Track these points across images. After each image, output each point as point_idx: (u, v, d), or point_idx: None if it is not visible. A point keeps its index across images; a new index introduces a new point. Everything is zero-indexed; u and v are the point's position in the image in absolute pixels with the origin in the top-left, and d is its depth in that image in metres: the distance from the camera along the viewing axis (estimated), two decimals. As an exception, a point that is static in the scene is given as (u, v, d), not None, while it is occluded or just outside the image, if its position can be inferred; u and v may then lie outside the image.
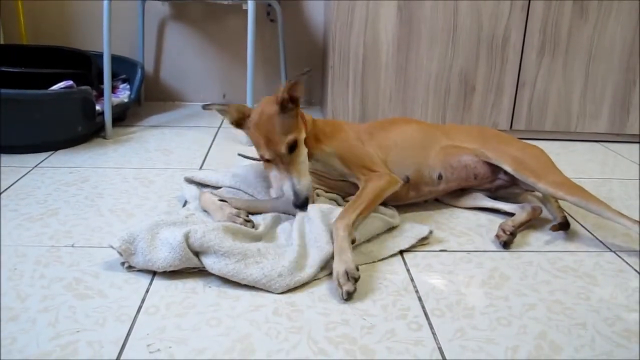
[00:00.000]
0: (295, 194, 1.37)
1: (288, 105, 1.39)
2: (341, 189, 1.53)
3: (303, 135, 1.43)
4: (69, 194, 1.64)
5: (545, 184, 1.48)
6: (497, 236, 1.43)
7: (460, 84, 2.30)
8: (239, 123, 1.47)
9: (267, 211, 1.47)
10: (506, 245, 1.40)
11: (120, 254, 1.22)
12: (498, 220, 1.55)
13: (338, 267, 1.18)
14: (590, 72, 2.30)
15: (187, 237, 1.20)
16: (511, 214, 1.54)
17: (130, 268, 1.23)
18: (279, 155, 1.38)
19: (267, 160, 1.41)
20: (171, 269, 1.20)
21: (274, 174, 1.42)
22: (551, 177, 1.50)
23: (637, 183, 1.91)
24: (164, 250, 1.20)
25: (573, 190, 1.45)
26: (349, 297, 1.14)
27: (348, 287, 1.15)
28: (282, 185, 1.40)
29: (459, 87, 2.31)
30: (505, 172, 1.57)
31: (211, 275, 1.20)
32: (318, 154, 1.49)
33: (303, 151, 1.42)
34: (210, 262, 1.20)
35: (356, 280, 1.16)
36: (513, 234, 1.42)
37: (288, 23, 2.76)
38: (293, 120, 1.40)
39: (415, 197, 1.58)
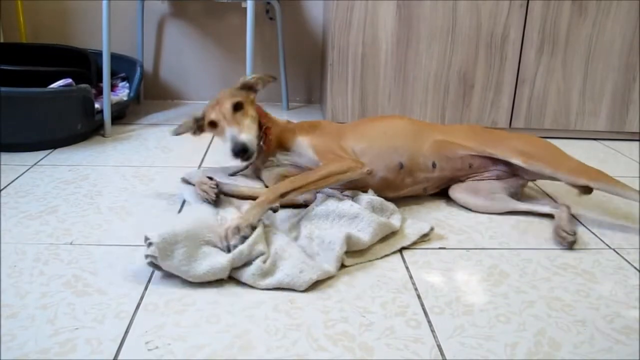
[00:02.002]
0: (233, 141, 1.41)
1: (243, 92, 1.55)
2: None
3: (251, 106, 1.53)
4: (68, 191, 1.64)
5: (564, 172, 1.51)
6: (562, 238, 1.41)
7: (460, 82, 2.30)
8: (199, 126, 1.59)
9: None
10: (572, 245, 1.40)
11: (155, 252, 1.15)
12: (497, 218, 1.55)
13: (234, 221, 1.25)
14: (589, 69, 2.30)
15: (232, 262, 1.18)
16: (547, 215, 1.55)
17: (152, 264, 1.18)
18: (223, 114, 1.48)
19: (213, 124, 1.50)
20: (201, 281, 1.18)
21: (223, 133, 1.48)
22: (567, 164, 1.53)
23: (637, 180, 1.91)
24: (204, 266, 1.16)
25: (594, 175, 1.49)
26: (232, 249, 1.20)
27: (235, 241, 1.21)
28: (224, 136, 1.46)
29: (458, 86, 2.31)
30: (506, 164, 1.58)
31: (210, 272, 1.20)
32: (295, 146, 1.55)
33: (249, 113, 1.50)
34: (238, 274, 1.19)
35: (245, 238, 1.22)
36: (576, 233, 1.42)
37: (287, 21, 2.76)
38: (244, 96, 1.53)
39: (411, 183, 1.58)
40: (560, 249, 1.39)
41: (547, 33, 2.25)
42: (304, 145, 1.54)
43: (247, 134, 1.44)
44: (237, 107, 1.48)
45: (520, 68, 2.29)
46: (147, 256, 1.17)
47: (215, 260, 1.17)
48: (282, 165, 1.57)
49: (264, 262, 1.19)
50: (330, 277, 1.21)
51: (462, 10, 2.21)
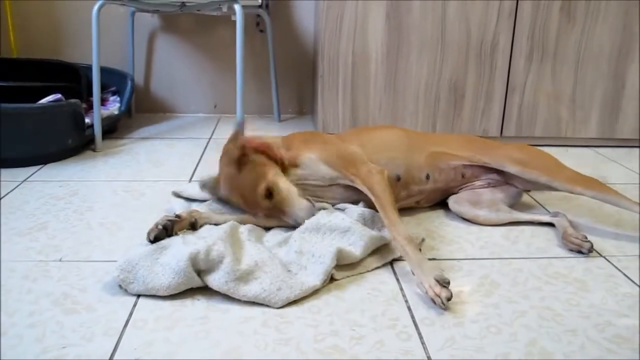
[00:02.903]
0: (298, 223, 1.38)
1: (245, 159, 1.40)
2: (332, 196, 1.53)
3: (274, 175, 1.41)
4: (58, 207, 1.63)
5: (561, 181, 1.52)
6: (577, 245, 1.41)
7: (450, 91, 2.31)
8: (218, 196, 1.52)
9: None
10: (590, 250, 1.40)
11: (119, 285, 1.19)
12: (488, 228, 1.55)
13: (426, 279, 1.18)
14: (578, 76, 2.31)
15: (192, 258, 1.18)
16: (547, 224, 1.56)
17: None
18: (265, 209, 1.40)
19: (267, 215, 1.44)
20: (175, 292, 1.17)
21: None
22: (563, 172, 1.54)
23: (630, 187, 1.91)
24: (167, 275, 1.17)
25: (589, 184, 1.50)
26: (448, 302, 1.15)
27: (446, 293, 1.15)
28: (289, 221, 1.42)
29: (448, 95, 2.31)
30: (498, 173, 1.59)
31: (200, 288, 1.20)
32: (302, 161, 1.50)
33: (281, 186, 1.41)
34: (211, 280, 1.18)
35: (448, 283, 1.16)
36: (585, 237, 1.43)
37: (277, 33, 2.76)
38: (258, 168, 1.40)
39: (405, 196, 1.58)
40: (551, 257, 1.39)
41: (536, 41, 2.26)
42: (313, 160, 1.49)
43: (296, 208, 1.39)
44: (270, 194, 1.39)
45: (510, 76, 2.30)
46: (119, 286, 1.21)
47: (176, 266, 1.17)
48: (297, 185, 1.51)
49: (237, 265, 1.19)
50: (319, 291, 1.21)
51: (452, 19, 2.22)
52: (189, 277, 1.17)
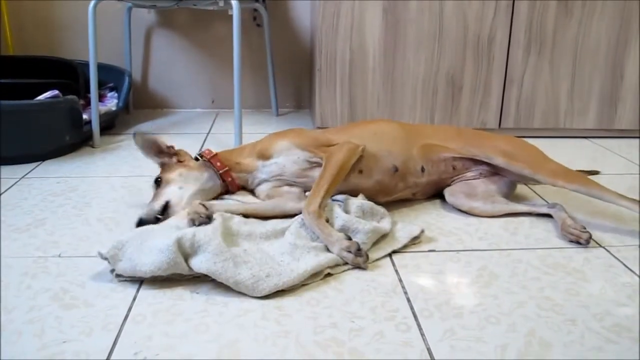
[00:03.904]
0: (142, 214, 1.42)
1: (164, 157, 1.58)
2: (308, 183, 1.53)
3: (168, 174, 1.51)
4: (57, 204, 1.63)
5: (543, 174, 1.53)
6: (576, 236, 1.41)
7: (448, 85, 2.30)
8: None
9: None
10: (589, 240, 1.41)
11: (108, 261, 1.20)
12: (486, 219, 1.55)
13: (338, 251, 1.27)
14: (576, 68, 2.30)
15: (178, 241, 1.19)
16: (545, 215, 1.56)
17: (119, 277, 1.21)
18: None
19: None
20: (159, 273, 1.17)
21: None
22: (547, 166, 1.55)
23: (628, 177, 1.91)
24: (152, 254, 1.19)
25: (571, 178, 1.50)
26: (366, 264, 1.27)
27: (360, 260, 1.26)
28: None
29: (446, 88, 2.31)
30: (488, 164, 1.59)
31: (199, 282, 1.20)
32: (275, 149, 1.55)
33: (165, 185, 1.49)
34: (197, 262, 1.18)
35: (359, 249, 1.26)
36: (584, 227, 1.43)
37: (275, 28, 2.76)
38: (167, 164, 1.56)
39: (402, 188, 1.59)
40: (550, 248, 1.39)
41: (533, 33, 2.25)
42: (287, 147, 1.54)
43: (152, 204, 1.44)
44: (157, 183, 1.51)
45: (508, 69, 2.30)
46: (111, 271, 1.22)
47: (161, 244, 1.19)
48: (269, 181, 1.56)
49: (226, 247, 1.21)
50: (317, 283, 1.21)
51: (449, 13, 2.21)
52: (174, 257, 1.17)
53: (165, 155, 1.58)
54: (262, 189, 1.57)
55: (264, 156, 1.56)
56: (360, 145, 1.50)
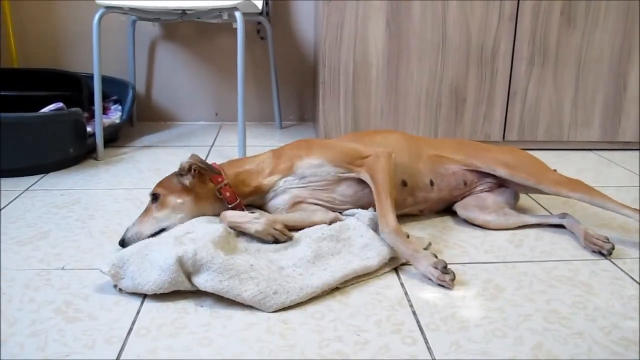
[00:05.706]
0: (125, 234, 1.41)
1: (184, 176, 1.46)
2: (341, 198, 1.51)
3: (173, 197, 1.44)
4: (60, 216, 1.63)
5: (547, 184, 1.53)
6: (599, 246, 1.42)
7: (451, 96, 2.30)
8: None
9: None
10: (612, 251, 1.41)
11: (112, 280, 1.21)
12: (492, 232, 1.54)
13: (425, 268, 1.27)
14: (580, 80, 2.30)
15: (179, 260, 1.17)
16: (555, 226, 1.56)
17: (122, 291, 1.21)
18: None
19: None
20: (161, 291, 1.17)
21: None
22: (549, 176, 1.56)
23: (633, 190, 1.90)
24: (154, 272, 1.18)
25: (575, 187, 1.51)
26: (452, 283, 1.25)
27: (446, 278, 1.24)
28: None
29: (450, 100, 2.31)
30: (492, 176, 1.59)
31: (203, 294, 1.19)
32: (301, 169, 1.49)
33: (164, 208, 1.43)
34: (202, 281, 1.17)
35: (445, 267, 1.25)
36: (607, 238, 1.43)
37: (278, 40, 2.77)
38: (177, 185, 1.46)
39: (411, 203, 1.58)
40: (556, 260, 1.38)
41: (537, 45, 2.25)
42: (317, 165, 1.48)
43: (136, 227, 1.41)
44: (155, 198, 1.45)
45: (512, 81, 2.30)
46: (114, 286, 1.22)
47: (163, 263, 1.18)
48: (287, 192, 1.52)
49: (231, 264, 1.18)
50: (322, 296, 1.20)
51: (452, 24, 2.22)
52: (175, 276, 1.16)
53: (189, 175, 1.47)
54: (275, 204, 1.53)
55: (290, 173, 1.51)
56: (389, 151, 1.47)
